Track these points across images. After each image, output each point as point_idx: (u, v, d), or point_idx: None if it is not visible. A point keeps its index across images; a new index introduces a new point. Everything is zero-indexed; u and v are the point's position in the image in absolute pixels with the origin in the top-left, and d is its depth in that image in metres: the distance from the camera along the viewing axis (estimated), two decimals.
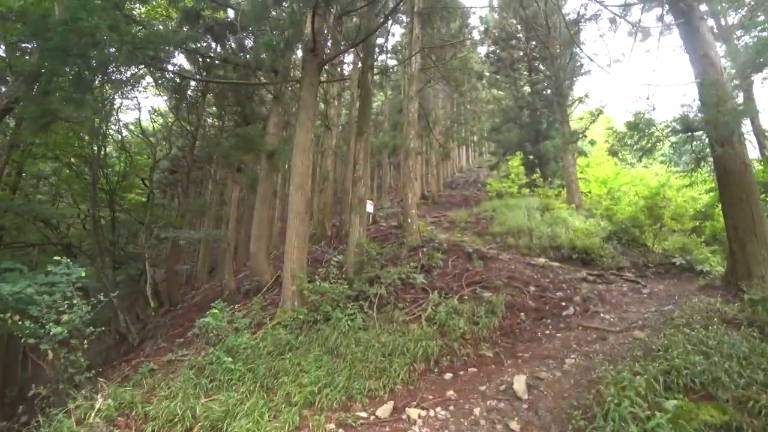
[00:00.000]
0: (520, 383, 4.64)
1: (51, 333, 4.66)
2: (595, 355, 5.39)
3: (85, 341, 5.06)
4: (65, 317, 4.84)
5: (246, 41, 14.00)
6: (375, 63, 14.84)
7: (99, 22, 7.37)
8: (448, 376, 5.30)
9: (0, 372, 11.12)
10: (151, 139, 22.81)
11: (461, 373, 5.36)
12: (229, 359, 5.50)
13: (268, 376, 5.19)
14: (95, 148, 14.45)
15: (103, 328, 5.67)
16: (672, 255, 11.28)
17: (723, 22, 15.55)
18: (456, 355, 5.78)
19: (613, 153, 23.98)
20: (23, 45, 11.01)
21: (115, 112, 19.92)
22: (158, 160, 21.59)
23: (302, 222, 8.35)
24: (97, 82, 11.03)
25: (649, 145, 7.95)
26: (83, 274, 5.67)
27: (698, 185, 15.39)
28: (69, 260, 5.58)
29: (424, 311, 7.08)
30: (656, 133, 7.84)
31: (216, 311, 6.55)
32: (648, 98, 13.70)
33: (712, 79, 7.87)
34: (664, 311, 6.83)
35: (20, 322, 4.68)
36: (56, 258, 5.49)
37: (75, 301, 5.20)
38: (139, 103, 28.59)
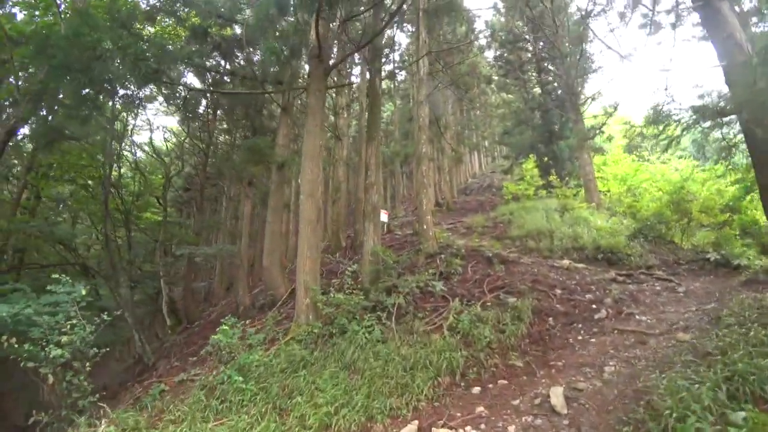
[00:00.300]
0: (557, 396, 4.19)
1: (51, 356, 4.39)
2: (637, 361, 4.91)
3: (88, 364, 4.78)
4: (64, 338, 4.58)
5: (254, 57, 14.02)
6: (382, 70, 14.67)
7: (101, 36, 7.30)
8: (476, 389, 4.86)
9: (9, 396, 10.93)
10: (164, 158, 23.05)
11: (490, 386, 4.92)
12: (240, 378, 5.18)
13: (281, 396, 4.83)
14: (107, 167, 14.50)
15: (107, 349, 5.41)
16: (704, 250, 10.68)
17: (738, 9, 15.01)
18: (483, 366, 5.34)
19: (629, 150, 23.37)
20: (32, 70, 11.10)
21: (128, 133, 20.21)
22: (171, 178, 21.72)
23: (314, 231, 8.04)
24: (102, 99, 11.03)
25: (678, 133, 7.47)
26: (84, 293, 5.42)
27: (722, 178, 14.78)
28: (69, 278, 5.33)
29: (445, 320, 6.66)
30: (684, 121, 7.37)
31: (226, 328, 6.25)
32: (666, 89, 13.21)
33: (740, 60, 7.41)
34: (707, 310, 6.30)
35: (17, 345, 4.42)
36: (55, 276, 5.26)
37: (75, 322, 4.93)
38: (150, 124, 28.98)
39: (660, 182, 16.99)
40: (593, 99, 19.39)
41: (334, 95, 19.64)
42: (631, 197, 16.52)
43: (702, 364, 3.91)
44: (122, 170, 21.48)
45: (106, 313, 5.40)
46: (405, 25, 19.10)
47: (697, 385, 3.39)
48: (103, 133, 14.81)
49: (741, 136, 8.63)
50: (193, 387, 6.26)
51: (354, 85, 20.70)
